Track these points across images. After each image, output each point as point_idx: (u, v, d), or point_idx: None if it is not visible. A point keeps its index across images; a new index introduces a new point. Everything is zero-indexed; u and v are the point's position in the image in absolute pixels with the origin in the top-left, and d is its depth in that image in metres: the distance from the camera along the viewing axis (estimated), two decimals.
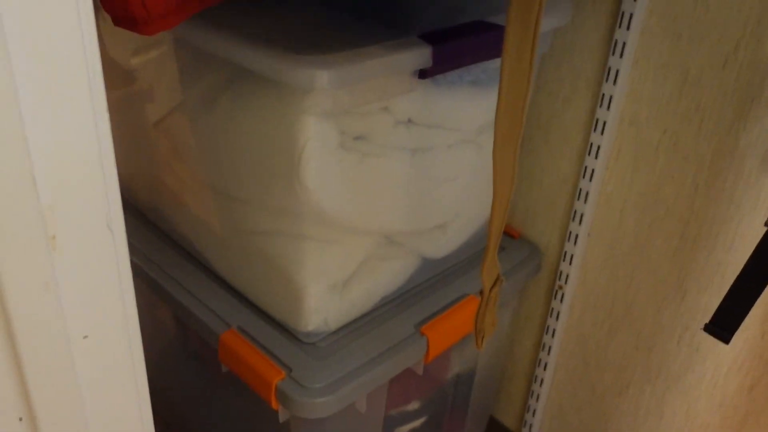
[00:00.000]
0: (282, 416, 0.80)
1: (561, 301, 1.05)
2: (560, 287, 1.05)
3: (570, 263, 1.02)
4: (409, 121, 0.77)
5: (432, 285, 0.96)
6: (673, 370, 0.96)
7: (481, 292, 0.71)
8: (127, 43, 0.83)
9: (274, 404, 0.79)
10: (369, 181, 0.77)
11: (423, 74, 0.71)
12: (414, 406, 1.02)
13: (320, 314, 0.82)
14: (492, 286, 0.70)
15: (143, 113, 0.92)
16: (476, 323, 0.72)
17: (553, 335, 1.09)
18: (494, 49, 0.75)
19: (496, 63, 0.78)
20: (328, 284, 0.81)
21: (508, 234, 1.09)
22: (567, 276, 1.03)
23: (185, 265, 0.95)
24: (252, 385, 0.81)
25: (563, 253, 1.02)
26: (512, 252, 1.04)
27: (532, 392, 1.16)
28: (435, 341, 0.86)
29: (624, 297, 0.99)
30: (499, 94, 0.56)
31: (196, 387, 1.07)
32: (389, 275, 0.89)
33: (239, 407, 0.98)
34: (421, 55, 0.69)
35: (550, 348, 1.10)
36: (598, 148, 0.92)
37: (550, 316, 1.08)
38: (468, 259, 1.02)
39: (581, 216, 0.98)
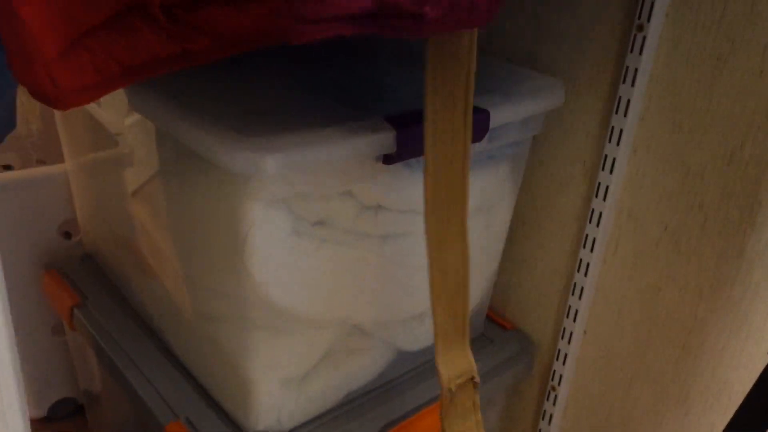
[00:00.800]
0: None
1: (554, 403, 0.96)
2: (553, 388, 0.95)
3: (564, 363, 0.93)
4: (379, 206, 0.71)
5: (407, 380, 0.88)
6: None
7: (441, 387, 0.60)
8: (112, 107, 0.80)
9: None
10: (330, 270, 0.70)
11: (388, 159, 0.65)
12: None
13: (273, 412, 0.74)
14: (460, 384, 0.59)
15: (119, 180, 0.87)
16: (441, 423, 0.62)
17: (550, 422, 0.99)
18: None
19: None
20: (283, 378, 0.74)
21: (500, 324, 1.00)
22: (561, 377, 0.94)
23: (145, 343, 0.89)
24: None
25: (557, 351, 0.93)
26: (503, 344, 0.95)
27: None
28: None
29: (621, 407, 0.89)
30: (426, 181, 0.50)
31: None
32: (357, 369, 0.81)
33: None
34: (384, 140, 0.63)
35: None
36: (594, 240, 0.84)
37: (543, 419, 0.98)
38: None
39: (576, 312, 0.89)
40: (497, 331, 0.98)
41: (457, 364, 0.59)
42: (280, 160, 0.57)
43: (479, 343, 0.96)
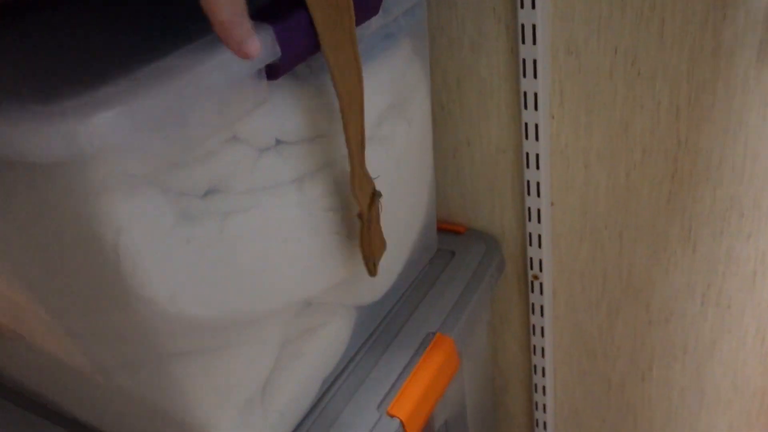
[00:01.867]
0: None
1: (540, 292, 0.83)
2: (535, 277, 0.82)
3: (539, 245, 0.80)
4: (278, 142, 0.52)
5: (381, 339, 0.72)
6: (704, 337, 0.76)
7: (359, 215, 0.56)
8: None
9: None
10: (249, 248, 0.51)
11: (272, 72, 0.45)
12: None
13: None
14: (370, 203, 0.56)
15: None
16: (362, 250, 0.59)
17: (542, 334, 0.87)
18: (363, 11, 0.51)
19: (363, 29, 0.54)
20: (238, 404, 0.55)
21: (453, 231, 0.85)
22: (540, 261, 0.81)
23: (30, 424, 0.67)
24: None
25: (527, 236, 0.80)
26: (464, 252, 0.81)
27: (536, 403, 0.94)
28: (412, 419, 0.62)
29: (617, 266, 0.78)
30: None
31: None
32: (322, 349, 0.64)
33: None
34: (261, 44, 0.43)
35: (543, 349, 0.88)
36: (535, 96, 0.69)
37: (533, 313, 0.86)
38: (418, 283, 0.78)
39: (537, 185, 0.75)
40: (453, 240, 0.84)
41: (365, 186, 0.55)
42: (114, 123, 0.36)
43: (439, 260, 0.81)
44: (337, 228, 0.59)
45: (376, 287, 0.70)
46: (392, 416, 0.62)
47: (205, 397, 0.53)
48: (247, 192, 0.50)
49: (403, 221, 0.72)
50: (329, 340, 0.64)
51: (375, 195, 0.57)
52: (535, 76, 0.68)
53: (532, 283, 0.83)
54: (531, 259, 0.81)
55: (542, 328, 0.86)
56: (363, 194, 0.55)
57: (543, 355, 0.89)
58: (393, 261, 0.72)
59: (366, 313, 0.70)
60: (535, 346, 0.88)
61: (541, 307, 0.84)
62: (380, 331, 0.72)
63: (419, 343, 0.69)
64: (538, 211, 0.77)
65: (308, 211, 0.55)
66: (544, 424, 0.95)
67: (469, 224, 0.86)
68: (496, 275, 0.80)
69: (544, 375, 0.90)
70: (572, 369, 0.89)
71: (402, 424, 0.61)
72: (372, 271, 0.61)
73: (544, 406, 0.94)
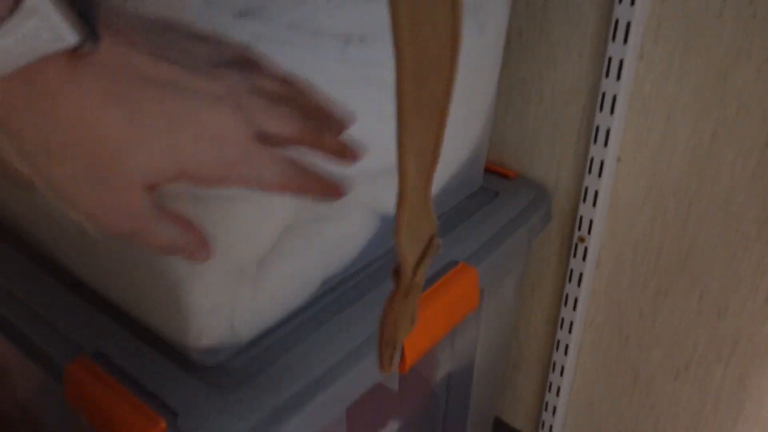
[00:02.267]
0: None
1: (584, 258, 0.75)
2: (581, 239, 0.74)
3: (594, 204, 0.72)
4: None
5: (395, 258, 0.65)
6: (758, 341, 0.67)
7: (396, 271, 0.35)
8: None
9: None
10: None
11: None
12: (392, 427, 0.72)
13: (219, 318, 0.50)
14: (421, 258, 0.35)
15: None
16: (383, 326, 0.38)
17: (574, 306, 0.79)
18: None
19: None
20: (228, 268, 0.50)
21: (500, 174, 0.78)
22: (590, 222, 0.73)
23: (35, 278, 0.63)
24: None
25: (583, 191, 0.72)
26: (508, 197, 0.73)
27: (550, 384, 0.86)
28: (412, 341, 0.56)
29: (677, 242, 0.69)
30: None
31: None
32: (333, 244, 0.57)
33: None
34: None
35: (571, 324, 0.80)
36: (627, 26, 0.61)
37: (569, 281, 0.78)
38: (451, 213, 0.71)
39: (606, 133, 0.67)
40: (499, 182, 0.76)
41: (423, 230, 0.34)
42: None
43: (479, 197, 0.74)
44: None
45: None
46: None
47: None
48: (289, 25, 0.44)
49: (449, 138, 0.65)
50: (341, 239, 0.58)
51: (432, 245, 0.35)
52: (632, 2, 0.60)
53: (576, 246, 0.75)
54: (581, 218, 0.73)
55: (576, 300, 0.78)
56: (415, 242, 0.34)
57: (570, 331, 0.80)
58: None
59: (388, 226, 0.63)
60: (563, 319, 0.80)
61: (580, 276, 0.76)
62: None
63: (439, 270, 0.62)
64: (601, 163, 0.69)
65: (350, 68, 0.48)
66: (554, 409, 0.87)
67: (521, 171, 0.78)
68: (538, 227, 0.73)
69: (566, 353, 0.82)
70: (599, 352, 0.81)
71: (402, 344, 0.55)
72: (386, 364, 0.40)
73: (558, 389, 0.85)
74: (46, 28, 0.25)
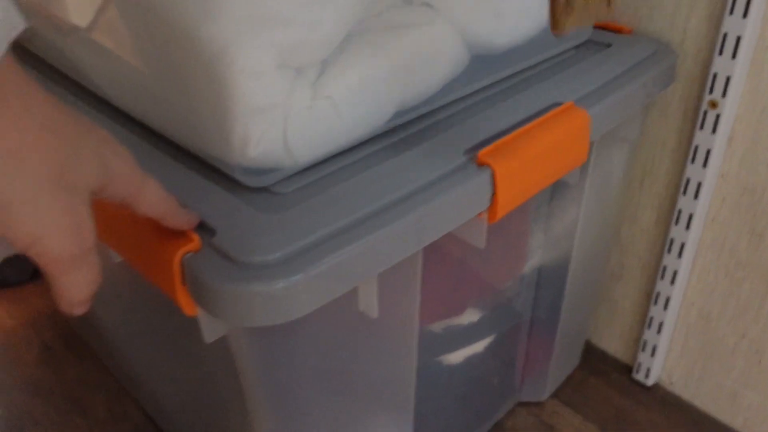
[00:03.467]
0: (207, 330, 0.40)
1: (713, 129, 0.62)
2: (712, 104, 0.61)
3: (733, 56, 0.58)
4: None
5: (491, 97, 0.54)
6: None
7: None
8: None
9: (184, 304, 0.38)
10: None
11: None
12: (471, 316, 0.61)
13: (271, 124, 0.41)
14: None
15: None
16: None
17: (696, 194, 0.65)
18: None
19: None
20: (283, 61, 0.40)
21: (612, 29, 0.65)
22: (727, 81, 0.59)
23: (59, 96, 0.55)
24: (142, 269, 0.41)
25: (718, 42, 0.58)
26: (622, 48, 0.60)
27: (657, 295, 0.73)
28: (506, 178, 0.44)
29: None
30: None
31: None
32: (407, 63, 0.47)
33: (151, 322, 0.59)
34: None
35: (690, 218, 0.67)
36: None
37: (692, 162, 0.64)
38: (554, 60, 0.59)
39: None
40: (611, 37, 0.63)
41: None
42: None
43: (587, 49, 0.61)
44: None
45: (504, 29, 0.52)
46: (482, 164, 0.44)
47: (239, 28, 0.37)
48: None
49: None
50: (419, 57, 0.47)
51: None
52: None
53: (705, 114, 0.62)
54: (715, 76, 0.60)
55: (699, 185, 0.65)
56: None
57: (688, 226, 0.67)
58: (530, 10, 0.53)
59: (481, 61, 0.52)
60: (680, 212, 0.67)
61: (707, 154, 0.63)
62: (493, 90, 0.54)
63: (539, 110, 0.51)
64: (747, 1, 0.55)
65: None
66: (660, 325, 0.74)
67: (639, 25, 0.65)
68: (658, 85, 0.59)
69: (680, 255, 0.69)
70: (722, 254, 0.68)
71: (493, 175, 0.44)
72: (559, 25, 0.35)
73: (668, 300, 0.72)
74: (6, 18, 0.24)
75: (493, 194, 0.44)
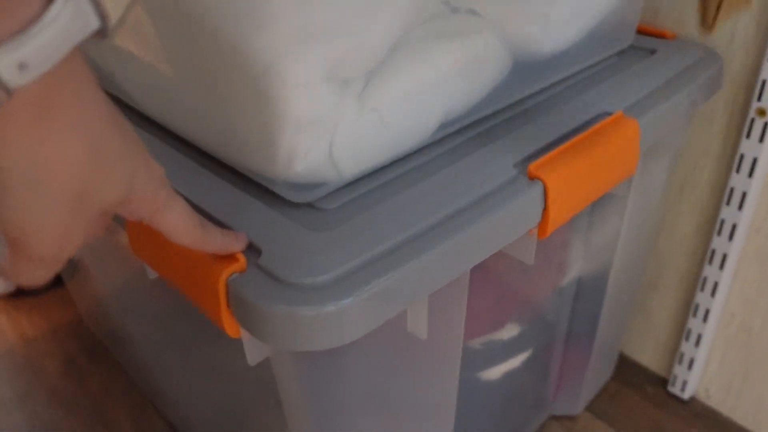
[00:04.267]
0: (252, 352, 0.39)
1: (761, 138, 0.60)
2: (761, 112, 0.59)
3: None
4: None
5: (537, 106, 0.52)
6: None
7: None
8: None
9: (228, 326, 0.37)
10: None
11: None
12: (511, 331, 0.59)
13: (317, 137, 0.39)
14: None
15: None
16: None
17: (740, 204, 0.63)
18: None
19: None
20: (330, 73, 0.38)
21: (656, 35, 0.63)
22: None
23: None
24: (183, 289, 0.39)
25: None
26: (667, 55, 0.59)
27: (696, 307, 0.71)
28: (558, 192, 0.43)
29: None
30: None
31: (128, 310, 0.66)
32: (454, 71, 0.45)
33: (185, 338, 0.57)
34: None
35: (733, 228, 0.65)
36: None
37: (737, 171, 0.62)
38: (599, 67, 0.57)
39: None
40: (656, 42, 0.61)
41: None
42: None
43: (631, 55, 0.59)
44: None
45: (552, 34, 0.50)
46: (534, 178, 0.42)
47: (282, 35, 0.35)
48: None
49: None
50: (465, 65, 0.45)
51: None
52: None
53: (752, 121, 0.60)
54: (764, 83, 0.58)
55: (743, 195, 0.63)
56: None
57: (731, 237, 0.65)
58: (576, 15, 0.51)
59: (526, 69, 0.50)
60: (723, 222, 0.65)
61: (754, 162, 0.61)
62: (538, 98, 0.53)
63: (588, 120, 0.49)
64: None
65: None
66: (698, 337, 0.72)
67: (683, 31, 0.63)
68: (704, 92, 0.57)
69: (722, 266, 0.67)
70: (766, 268, 0.66)
71: (545, 189, 0.42)
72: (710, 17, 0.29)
73: (707, 312, 0.70)
74: (79, 15, 0.24)
75: (545, 209, 0.43)
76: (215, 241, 0.35)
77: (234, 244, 0.36)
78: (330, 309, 0.34)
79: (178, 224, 0.32)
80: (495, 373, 0.60)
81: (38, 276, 0.29)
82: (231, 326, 0.37)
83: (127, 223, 0.42)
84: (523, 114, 0.50)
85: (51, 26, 0.23)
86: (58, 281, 0.97)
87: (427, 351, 0.45)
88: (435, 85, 0.43)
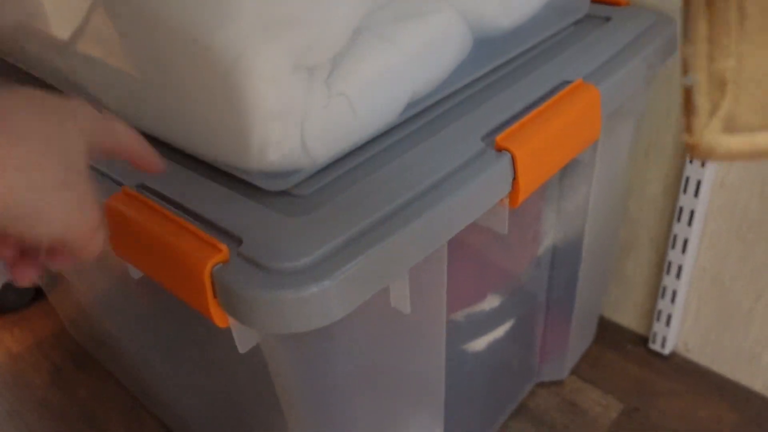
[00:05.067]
0: (241, 340, 0.40)
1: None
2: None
3: None
4: None
5: (499, 80, 0.53)
6: None
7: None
8: None
9: (216, 317, 0.38)
10: None
11: None
12: (492, 302, 0.61)
13: (289, 127, 0.40)
14: None
15: None
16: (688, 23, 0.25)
17: (703, 163, 0.65)
18: None
19: None
20: (297, 61, 0.39)
21: (610, 2, 0.65)
22: None
23: None
24: (168, 284, 0.40)
25: None
26: (622, 21, 0.60)
27: (669, 264, 0.73)
28: (526, 161, 0.44)
29: None
30: None
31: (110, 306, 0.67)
32: (416, 52, 0.46)
33: (174, 335, 0.58)
34: None
35: (698, 185, 0.67)
36: None
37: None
38: (556, 38, 0.59)
39: None
40: (610, 10, 0.63)
41: None
42: None
43: (587, 24, 0.61)
44: None
45: (507, 12, 0.51)
46: (501, 149, 0.43)
47: (250, 25, 0.36)
48: None
49: None
50: (427, 46, 0.46)
51: None
52: None
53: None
54: None
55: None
56: None
57: (696, 193, 0.67)
58: None
59: (485, 45, 0.51)
60: (688, 180, 0.67)
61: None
62: (500, 73, 0.54)
63: (552, 88, 0.50)
64: None
65: None
66: (673, 293, 0.75)
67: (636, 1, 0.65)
68: (660, 56, 0.59)
69: (690, 224, 0.69)
70: (733, 219, 0.68)
71: (513, 159, 0.43)
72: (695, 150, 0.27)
73: (680, 268, 0.73)
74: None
75: (514, 179, 0.44)
76: (153, 153, 0.36)
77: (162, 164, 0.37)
78: (313, 291, 0.35)
79: (133, 136, 0.35)
80: (480, 344, 0.61)
81: (97, 247, 0.32)
82: (219, 316, 0.38)
83: (109, 226, 0.42)
84: (487, 88, 0.52)
85: None
86: (38, 294, 0.97)
87: (412, 325, 0.46)
88: (399, 66, 0.44)
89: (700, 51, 0.25)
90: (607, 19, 0.61)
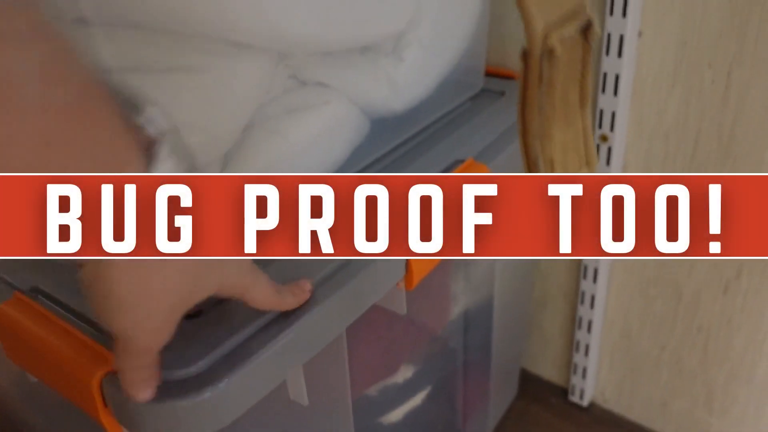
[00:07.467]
0: None
1: (607, 161, 0.65)
2: (603, 138, 0.65)
3: (615, 92, 0.62)
4: None
5: (396, 161, 0.55)
6: None
7: (524, 54, 0.29)
8: None
9: (109, 426, 0.37)
10: None
11: None
12: (405, 374, 0.62)
13: None
14: (557, 24, 0.28)
15: None
16: (523, 127, 0.31)
17: None
18: None
19: None
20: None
21: (504, 75, 0.68)
22: (612, 116, 0.63)
23: None
24: (62, 391, 0.39)
25: (601, 78, 0.62)
26: (513, 99, 0.63)
27: (580, 320, 0.76)
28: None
29: (718, 125, 0.59)
30: None
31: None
32: (311, 142, 0.47)
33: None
34: None
35: None
36: None
37: None
38: (453, 115, 0.61)
39: (624, 2, 0.57)
40: (504, 84, 0.66)
41: None
42: None
43: (482, 99, 0.64)
44: None
45: (400, 94, 0.54)
46: None
47: None
48: None
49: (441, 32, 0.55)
50: (321, 135, 0.48)
51: (578, 14, 0.29)
52: None
53: (598, 147, 0.65)
54: (601, 112, 0.63)
55: None
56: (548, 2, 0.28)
57: None
58: (429, 60, 0.55)
59: (381, 126, 0.53)
60: None
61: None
62: (400, 152, 0.56)
63: (444, 168, 0.52)
64: (620, 40, 0.59)
65: None
66: (586, 348, 0.77)
67: None
68: None
69: (595, 281, 0.72)
70: (632, 274, 0.71)
71: None
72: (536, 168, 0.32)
73: (590, 323, 0.75)
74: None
75: (407, 262, 0.45)
76: (289, 301, 0.39)
77: (304, 296, 0.39)
78: (207, 396, 0.35)
79: (260, 297, 0.37)
80: (397, 414, 0.62)
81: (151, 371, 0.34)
82: (111, 425, 0.37)
83: (2, 333, 0.41)
84: (384, 170, 0.53)
85: None
86: None
87: (313, 415, 0.47)
88: (290, 157, 0.46)
89: (535, 144, 0.31)
90: (502, 93, 0.64)
